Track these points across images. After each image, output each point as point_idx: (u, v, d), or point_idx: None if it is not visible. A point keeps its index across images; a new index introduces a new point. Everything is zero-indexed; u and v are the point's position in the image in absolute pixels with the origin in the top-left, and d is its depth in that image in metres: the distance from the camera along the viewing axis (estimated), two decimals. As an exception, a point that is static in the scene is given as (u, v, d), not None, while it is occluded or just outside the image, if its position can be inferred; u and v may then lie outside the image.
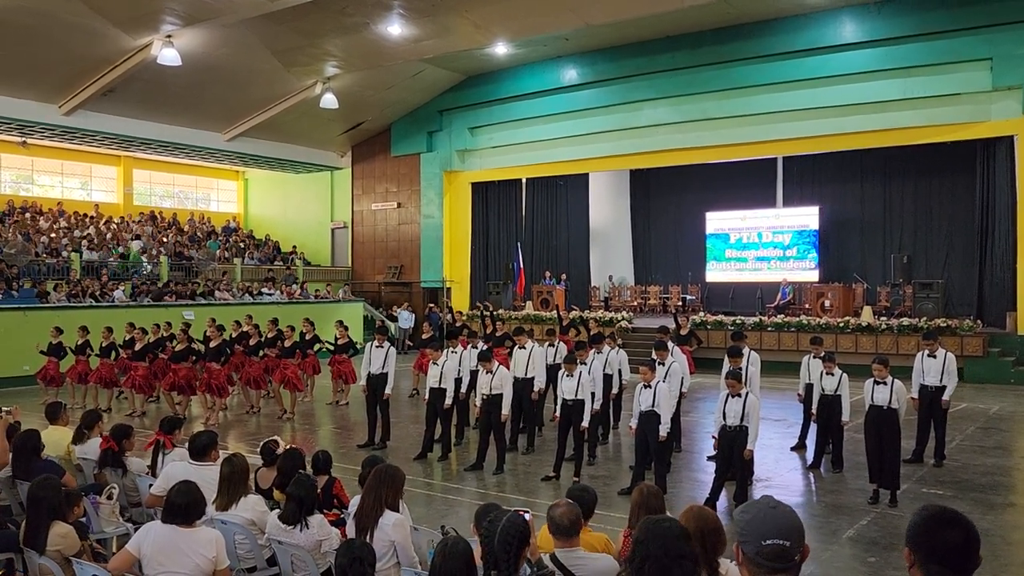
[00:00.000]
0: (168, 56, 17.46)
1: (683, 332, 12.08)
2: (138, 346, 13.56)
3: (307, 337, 13.96)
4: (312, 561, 4.48)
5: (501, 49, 20.10)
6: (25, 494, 4.90)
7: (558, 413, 8.82)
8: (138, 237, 23.85)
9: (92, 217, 24.43)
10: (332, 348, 13.97)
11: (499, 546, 3.14)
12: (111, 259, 21.75)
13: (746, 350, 9.24)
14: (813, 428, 9.53)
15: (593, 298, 24.38)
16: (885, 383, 7.78)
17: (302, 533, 4.56)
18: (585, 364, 9.03)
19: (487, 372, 9.14)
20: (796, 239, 22.62)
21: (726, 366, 8.61)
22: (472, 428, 10.90)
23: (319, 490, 5.61)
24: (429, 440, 9.92)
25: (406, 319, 23.64)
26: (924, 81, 16.96)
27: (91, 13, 16.02)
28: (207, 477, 5.01)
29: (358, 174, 26.89)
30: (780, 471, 9.21)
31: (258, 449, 6.18)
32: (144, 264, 22.32)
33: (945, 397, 9.12)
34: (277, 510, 4.76)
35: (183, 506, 4.07)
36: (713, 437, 8.01)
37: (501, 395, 9.05)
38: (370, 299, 25.56)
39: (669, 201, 25.67)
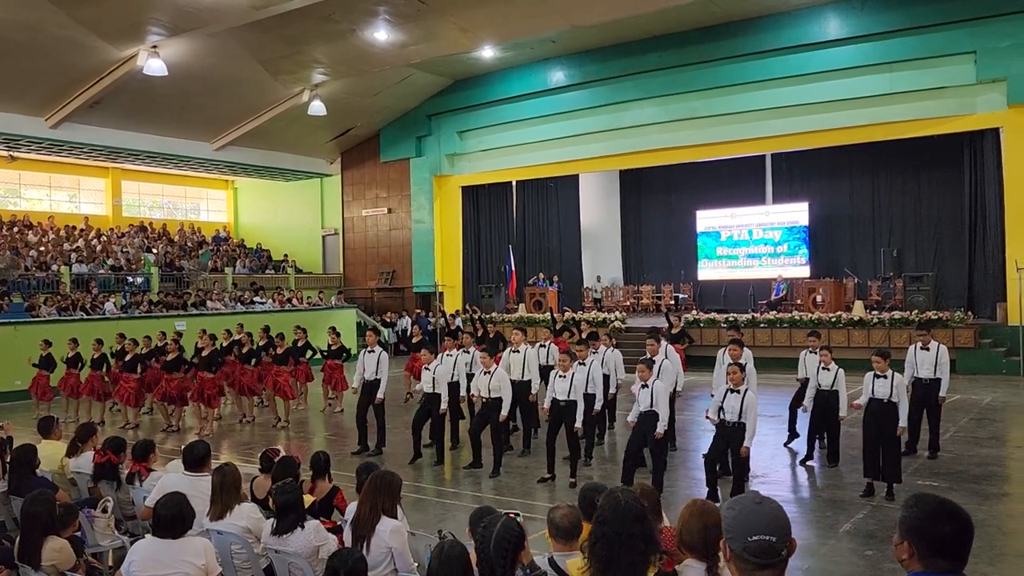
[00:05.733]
0: (154, 66, 17.42)
1: (675, 331, 12.19)
2: (128, 356, 13.47)
3: (299, 344, 13.93)
4: (310, 568, 4.45)
5: (488, 52, 20.12)
6: (19, 510, 4.88)
7: (546, 407, 8.77)
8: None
9: (82, 230, 24.30)
10: (324, 353, 13.93)
11: (495, 552, 3.12)
12: (102, 271, 21.65)
13: (741, 346, 9.25)
14: (802, 419, 9.51)
15: (586, 299, 24.39)
16: (885, 377, 7.72)
17: (297, 537, 4.52)
18: (584, 364, 9.01)
19: (485, 372, 9.13)
20: (787, 235, 22.67)
21: (720, 360, 8.55)
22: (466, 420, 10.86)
23: (322, 498, 5.59)
24: (417, 443, 9.93)
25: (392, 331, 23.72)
26: (909, 75, 17.08)
27: (76, 25, 15.95)
28: (202, 488, 4.99)
29: (348, 180, 26.85)
30: (776, 467, 9.23)
31: (255, 458, 6.15)
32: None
33: (942, 394, 9.18)
34: (272, 520, 4.73)
35: (170, 518, 4.06)
36: (708, 418, 7.95)
37: (500, 398, 9.06)
38: (363, 305, 25.52)
39: (659, 200, 25.69)
